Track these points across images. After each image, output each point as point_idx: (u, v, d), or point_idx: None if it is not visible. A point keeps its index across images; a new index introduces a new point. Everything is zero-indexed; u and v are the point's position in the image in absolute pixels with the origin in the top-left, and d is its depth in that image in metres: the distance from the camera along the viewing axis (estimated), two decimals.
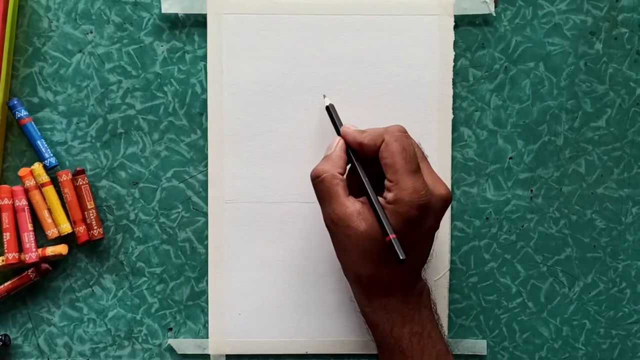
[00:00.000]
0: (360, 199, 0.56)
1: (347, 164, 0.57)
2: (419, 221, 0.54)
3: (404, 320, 0.57)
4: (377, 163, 0.55)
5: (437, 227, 0.57)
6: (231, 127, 0.63)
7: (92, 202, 0.62)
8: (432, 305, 0.59)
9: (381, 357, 0.59)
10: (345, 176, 0.57)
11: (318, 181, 0.56)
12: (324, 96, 0.61)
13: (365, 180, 0.56)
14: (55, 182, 0.62)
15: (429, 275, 0.63)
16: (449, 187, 0.63)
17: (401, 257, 0.52)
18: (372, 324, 0.58)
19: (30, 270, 0.62)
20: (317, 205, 0.63)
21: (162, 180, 0.64)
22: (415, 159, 0.54)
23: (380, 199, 0.54)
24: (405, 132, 0.55)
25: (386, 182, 0.54)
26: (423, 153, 0.57)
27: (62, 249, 0.62)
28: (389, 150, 0.54)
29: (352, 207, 0.55)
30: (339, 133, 0.58)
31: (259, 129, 0.63)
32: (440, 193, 0.55)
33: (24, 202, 0.62)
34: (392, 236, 0.53)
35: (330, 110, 0.60)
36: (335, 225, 0.56)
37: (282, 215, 0.63)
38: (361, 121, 0.63)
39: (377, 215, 0.54)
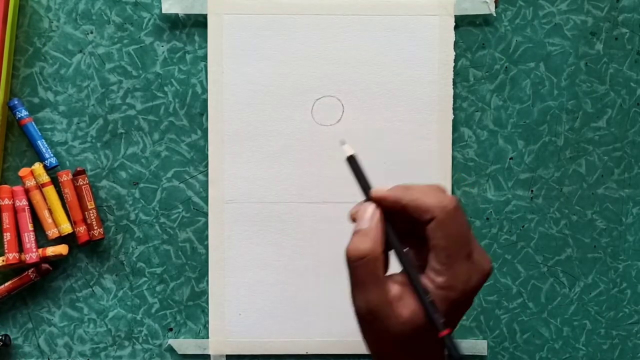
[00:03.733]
0: (396, 277, 0.47)
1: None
2: (468, 306, 0.48)
3: None
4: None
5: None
6: (231, 127, 0.63)
7: (92, 202, 0.62)
8: None
9: None
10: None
11: (360, 264, 0.46)
12: (343, 143, 0.49)
13: (410, 268, 0.47)
14: (55, 182, 0.62)
15: None
16: (450, 188, 0.63)
17: (459, 354, 0.45)
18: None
19: (30, 271, 0.62)
20: (317, 206, 0.63)
21: (162, 180, 0.64)
22: (467, 242, 0.46)
23: (424, 280, 0.46)
24: (459, 206, 0.46)
25: (434, 264, 0.46)
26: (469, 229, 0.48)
27: (62, 249, 0.62)
28: (444, 232, 0.45)
29: (392, 292, 0.46)
30: (366, 194, 0.48)
31: (259, 129, 0.63)
32: (485, 269, 0.47)
33: (24, 202, 0.62)
34: (446, 332, 0.45)
35: (352, 163, 0.49)
36: (372, 314, 0.46)
37: (282, 215, 0.63)
38: (361, 121, 0.63)
39: (424, 307, 0.45)
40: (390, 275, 0.47)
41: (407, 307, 0.46)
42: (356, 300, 0.47)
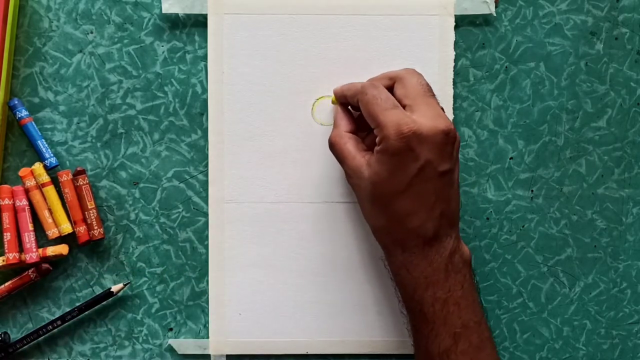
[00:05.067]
0: (367, 151, 0.56)
1: (354, 122, 0.59)
2: (411, 154, 0.53)
3: (427, 282, 0.54)
4: None
5: (447, 166, 0.54)
6: (231, 127, 0.63)
7: (92, 202, 0.62)
8: (469, 272, 0.56)
9: (410, 321, 0.58)
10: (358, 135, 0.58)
11: (332, 147, 0.58)
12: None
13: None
14: (55, 182, 0.62)
15: None
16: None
17: None
18: (397, 284, 0.57)
19: (30, 270, 0.62)
20: (317, 206, 0.63)
21: (162, 180, 0.64)
22: (390, 100, 0.54)
23: (376, 147, 0.54)
24: (374, 83, 0.56)
25: (375, 132, 0.54)
26: (428, 90, 0.55)
27: (62, 249, 0.62)
28: (362, 104, 0.55)
29: (361, 159, 0.55)
30: None
31: (259, 129, 0.63)
32: (435, 124, 0.53)
33: (24, 202, 0.62)
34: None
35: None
36: (350, 179, 0.57)
37: (282, 215, 0.63)
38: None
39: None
40: (365, 150, 0.57)
41: (371, 167, 0.54)
42: (345, 172, 0.57)
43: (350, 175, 0.57)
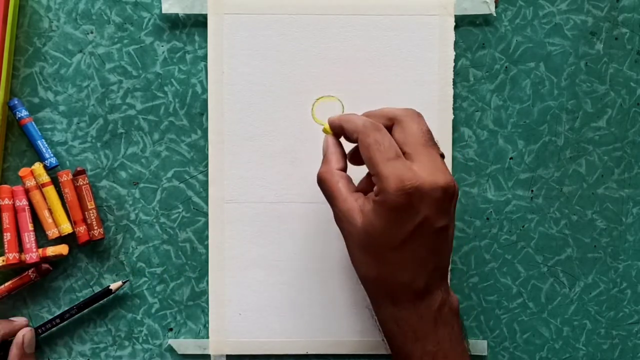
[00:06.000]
0: (359, 193, 0.54)
1: (345, 157, 0.56)
2: (411, 211, 0.51)
3: (416, 336, 0.54)
4: None
5: (444, 222, 0.52)
6: (231, 127, 0.63)
7: (92, 202, 0.62)
8: (457, 324, 0.55)
9: None
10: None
11: (320, 184, 0.55)
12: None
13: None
14: (55, 182, 0.62)
15: None
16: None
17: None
18: (385, 334, 0.56)
19: (30, 271, 0.62)
20: (317, 206, 0.63)
21: (162, 180, 0.64)
22: (392, 148, 0.51)
23: (372, 195, 0.52)
24: (375, 124, 0.53)
25: (372, 180, 0.52)
26: (429, 139, 0.53)
27: (62, 249, 0.62)
28: (362, 146, 0.52)
29: (354, 202, 0.53)
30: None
31: (259, 129, 0.63)
32: (435, 180, 0.51)
33: (24, 202, 0.62)
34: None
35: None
36: (340, 222, 0.54)
37: (282, 215, 0.63)
38: None
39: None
40: (355, 191, 0.54)
41: (365, 215, 0.52)
42: (333, 212, 0.55)
43: (340, 218, 0.54)
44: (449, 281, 0.62)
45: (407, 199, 0.50)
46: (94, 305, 0.63)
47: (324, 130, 0.57)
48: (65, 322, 0.63)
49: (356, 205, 0.53)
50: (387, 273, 0.53)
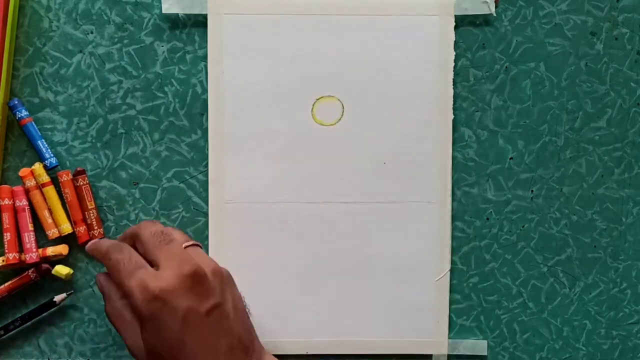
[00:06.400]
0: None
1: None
2: (168, 312, 0.50)
3: None
4: None
5: (211, 303, 0.51)
6: (231, 127, 0.63)
7: (92, 202, 0.62)
8: None
9: None
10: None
11: (110, 319, 0.55)
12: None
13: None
14: (55, 182, 0.62)
15: (430, 275, 0.63)
16: (449, 188, 0.63)
17: None
18: None
19: (30, 271, 0.62)
20: (317, 206, 0.63)
21: (162, 180, 0.64)
22: (132, 261, 0.52)
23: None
24: (118, 244, 0.55)
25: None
26: (164, 239, 0.54)
27: (62, 249, 0.62)
28: (109, 270, 0.54)
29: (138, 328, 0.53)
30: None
31: (259, 129, 0.63)
32: (181, 272, 0.51)
33: (24, 202, 0.62)
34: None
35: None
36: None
37: (282, 215, 0.63)
38: (361, 121, 0.63)
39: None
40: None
41: (143, 340, 0.52)
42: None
43: (135, 355, 0.53)
44: (263, 352, 0.58)
45: (158, 303, 0.50)
46: (95, 305, 0.63)
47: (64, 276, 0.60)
48: (10, 333, 0.62)
49: (133, 341, 0.53)
50: None
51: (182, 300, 0.50)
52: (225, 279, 0.54)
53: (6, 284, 0.62)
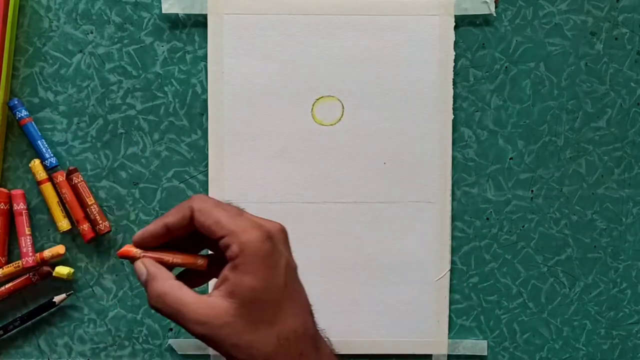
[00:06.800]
0: (212, 291, 0.49)
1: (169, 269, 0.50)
2: (277, 254, 0.48)
3: None
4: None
5: (295, 263, 0.50)
6: (231, 127, 0.63)
7: (91, 197, 0.62)
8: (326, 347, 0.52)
9: None
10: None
11: (160, 301, 0.48)
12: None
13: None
14: (53, 184, 0.62)
15: (430, 275, 0.63)
16: (449, 188, 0.63)
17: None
18: None
19: (31, 273, 0.62)
20: (317, 206, 0.63)
21: (162, 180, 0.64)
22: (233, 207, 0.49)
23: (225, 271, 0.47)
24: (202, 195, 0.50)
25: (221, 243, 0.47)
26: (234, 207, 0.50)
27: (59, 249, 0.62)
28: (204, 212, 0.48)
29: (209, 299, 0.48)
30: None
31: (259, 129, 0.63)
32: (275, 225, 0.49)
33: (22, 206, 0.62)
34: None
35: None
36: (199, 326, 0.47)
37: (282, 215, 0.63)
38: (361, 121, 0.63)
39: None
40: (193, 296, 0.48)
41: (228, 297, 0.47)
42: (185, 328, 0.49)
43: (202, 322, 0.47)
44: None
45: (271, 242, 0.48)
46: (95, 305, 0.63)
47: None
48: (10, 333, 0.63)
49: (213, 299, 0.47)
50: (284, 336, 0.48)
51: (284, 249, 0.49)
52: None
53: (7, 286, 0.62)
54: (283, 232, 0.50)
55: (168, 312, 0.48)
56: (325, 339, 0.52)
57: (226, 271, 0.47)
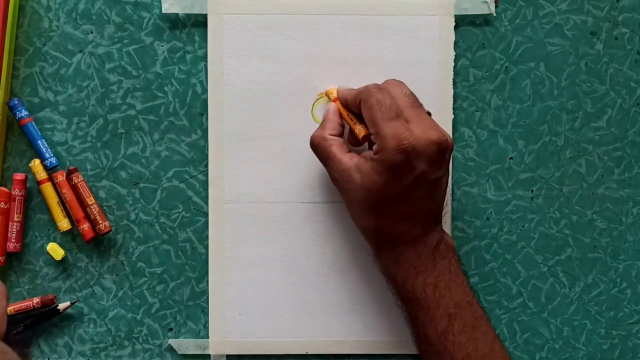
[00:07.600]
0: (364, 153, 0.56)
1: (342, 125, 0.59)
2: (408, 167, 0.54)
3: (417, 271, 0.57)
4: None
5: (439, 174, 0.56)
6: (231, 127, 0.63)
7: (91, 197, 0.62)
8: (454, 258, 0.58)
9: (405, 310, 0.60)
10: (344, 137, 0.59)
11: (314, 148, 0.58)
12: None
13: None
14: (53, 184, 0.62)
15: None
16: (449, 188, 0.63)
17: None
18: (388, 277, 0.60)
19: (35, 301, 0.62)
20: (317, 205, 0.63)
21: (162, 180, 0.64)
22: (393, 108, 0.54)
23: (368, 154, 0.55)
24: (380, 86, 0.56)
25: (372, 138, 0.55)
26: (415, 101, 0.56)
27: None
28: (365, 106, 0.56)
29: (349, 162, 0.56)
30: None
31: (259, 129, 0.63)
32: (429, 137, 0.54)
33: (17, 192, 0.61)
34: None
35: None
36: (337, 182, 0.57)
37: (282, 215, 0.63)
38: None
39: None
40: (349, 152, 0.57)
41: (362, 173, 0.55)
42: (330, 177, 0.58)
43: (336, 178, 0.57)
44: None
45: (404, 157, 0.53)
46: (95, 305, 0.63)
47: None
48: (11, 336, 0.62)
49: (352, 164, 0.56)
50: (386, 224, 0.57)
51: (421, 163, 0.54)
52: (451, 152, 0.57)
53: (11, 306, 0.62)
54: (434, 145, 0.54)
55: (317, 156, 0.59)
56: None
57: (370, 154, 0.55)
